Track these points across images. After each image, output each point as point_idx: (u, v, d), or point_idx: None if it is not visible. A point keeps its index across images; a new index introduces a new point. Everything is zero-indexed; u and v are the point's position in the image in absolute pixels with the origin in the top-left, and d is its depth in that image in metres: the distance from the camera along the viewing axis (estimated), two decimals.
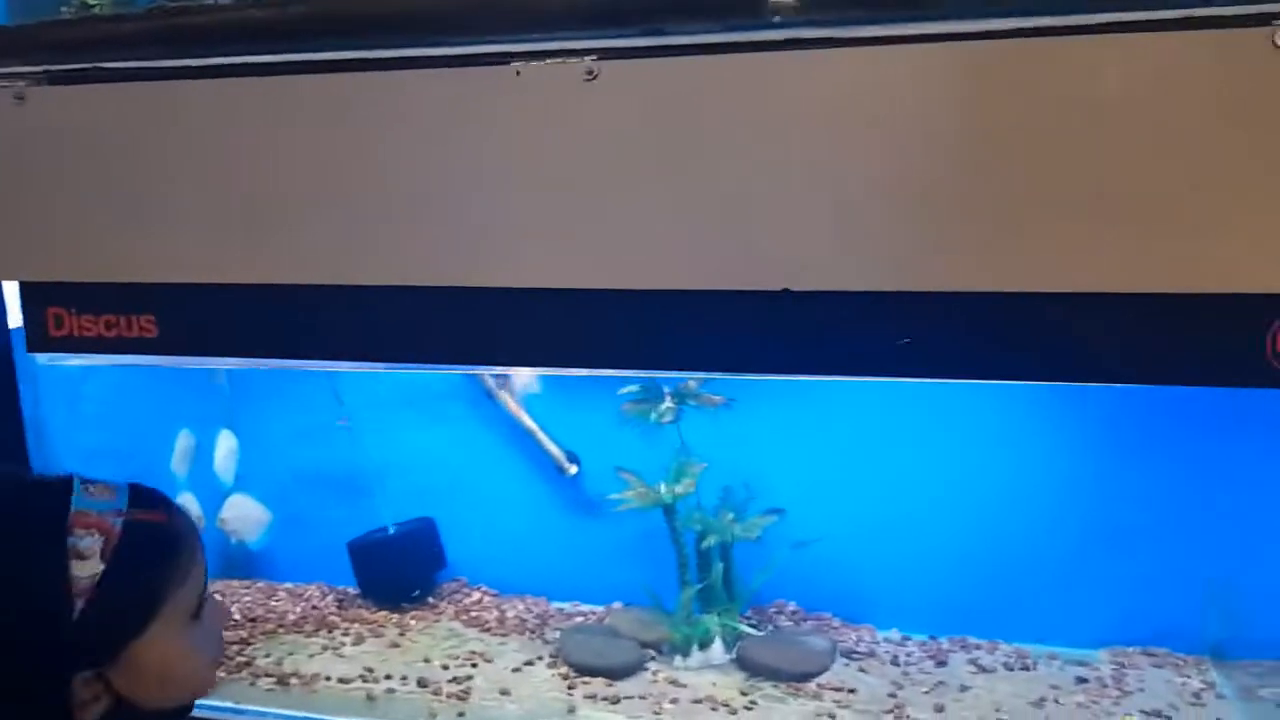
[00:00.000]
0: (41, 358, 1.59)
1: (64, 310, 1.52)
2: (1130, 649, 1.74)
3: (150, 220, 1.43)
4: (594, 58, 1.21)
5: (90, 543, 0.87)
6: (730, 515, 1.74)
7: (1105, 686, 1.62)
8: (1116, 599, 1.76)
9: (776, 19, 1.13)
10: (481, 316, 1.33)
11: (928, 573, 1.81)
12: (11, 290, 1.60)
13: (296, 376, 2.02)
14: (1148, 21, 1.05)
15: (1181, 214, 1.08)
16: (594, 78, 1.22)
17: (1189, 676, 1.65)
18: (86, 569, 0.85)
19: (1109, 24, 1.06)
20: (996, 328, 1.20)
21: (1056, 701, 1.57)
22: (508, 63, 1.24)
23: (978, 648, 1.77)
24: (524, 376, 1.91)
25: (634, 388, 1.75)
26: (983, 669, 1.69)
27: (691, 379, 1.71)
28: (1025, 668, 1.69)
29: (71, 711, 0.85)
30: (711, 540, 1.73)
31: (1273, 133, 1.04)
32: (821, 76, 1.14)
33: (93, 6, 1.57)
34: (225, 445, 2.00)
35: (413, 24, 1.29)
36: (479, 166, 1.28)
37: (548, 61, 1.23)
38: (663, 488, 1.73)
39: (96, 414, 1.96)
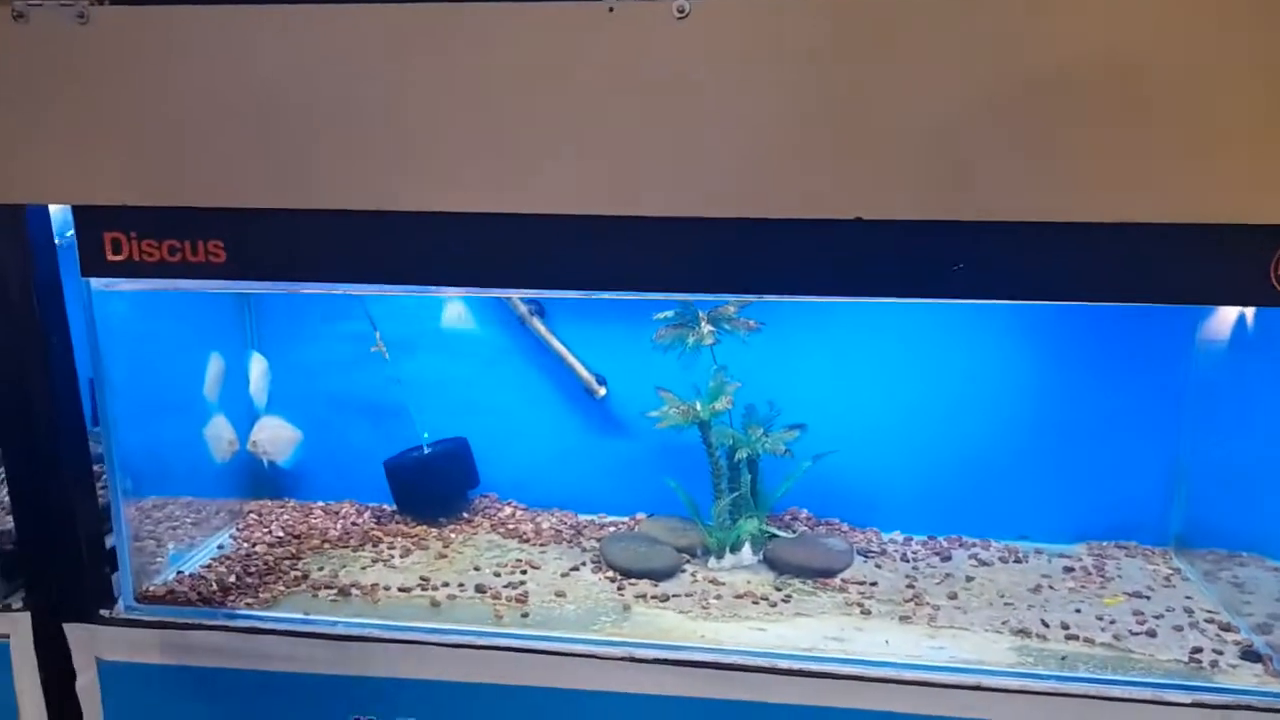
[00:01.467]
0: (96, 283, 1.59)
1: (122, 235, 1.53)
2: (1105, 543, 1.98)
3: (219, 146, 1.44)
4: None
5: None
6: (760, 430, 1.88)
7: (1089, 574, 1.85)
8: (1090, 500, 1.99)
9: None
10: (561, 243, 1.41)
11: (924, 479, 2.01)
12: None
13: (327, 300, 2.05)
14: None
15: (1200, 157, 1.24)
16: (685, 16, 1.29)
17: (1158, 564, 1.89)
18: None
19: None
20: (1036, 254, 1.35)
21: (1051, 588, 1.79)
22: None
23: (974, 545, 1.97)
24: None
25: (669, 313, 1.85)
26: (982, 562, 1.90)
27: (730, 304, 1.82)
28: (1018, 561, 1.91)
29: None
30: (743, 454, 1.87)
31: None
32: (901, 18, 1.25)
33: None
34: (258, 367, 2.03)
35: None
36: (559, 98, 1.34)
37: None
38: (699, 405, 1.86)
39: (123, 337, 1.95)
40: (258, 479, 2.15)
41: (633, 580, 1.81)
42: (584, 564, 1.88)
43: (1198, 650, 1.57)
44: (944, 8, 1.24)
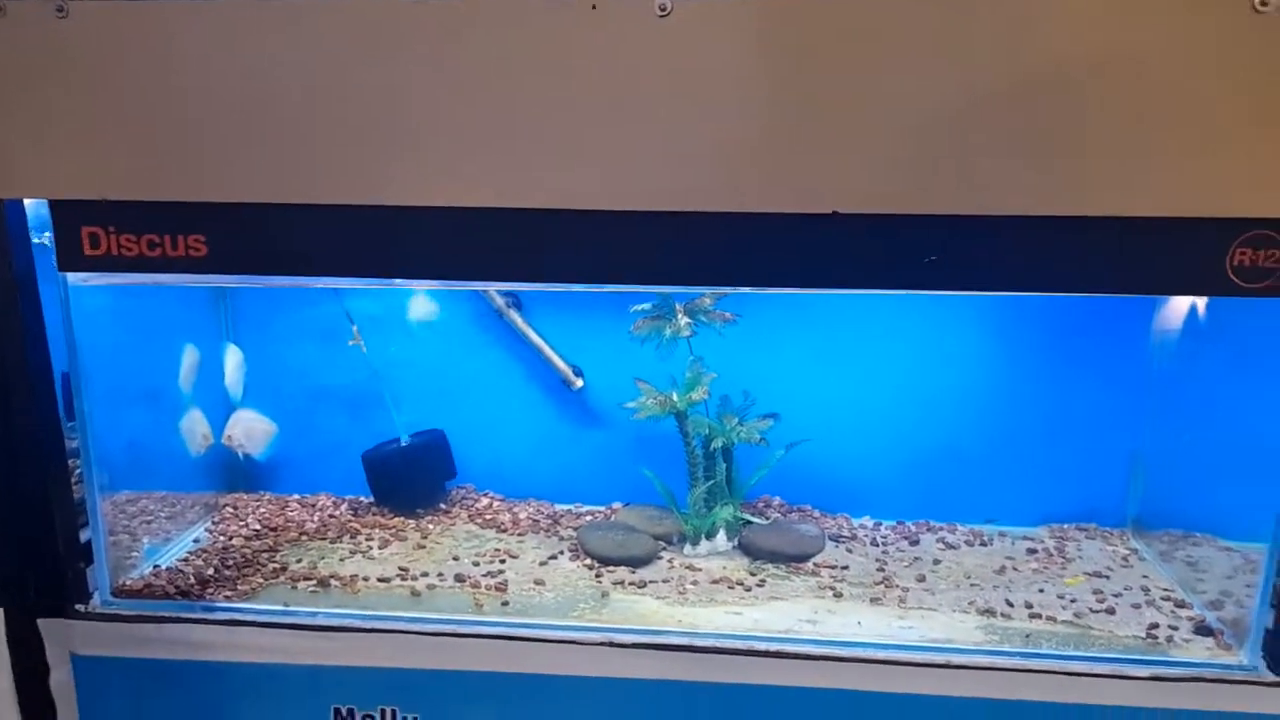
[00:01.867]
0: (73, 277, 1.57)
1: (100, 229, 1.52)
2: (1065, 525, 2.05)
3: (199, 139, 1.44)
4: None
5: None
6: (735, 420, 1.92)
7: (1051, 556, 1.91)
8: (1052, 485, 2.05)
9: None
10: (541, 236, 1.43)
11: (893, 466, 2.06)
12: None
13: (303, 292, 2.05)
14: None
15: (1164, 155, 1.30)
16: (667, 14, 1.32)
17: (1116, 545, 1.97)
18: None
19: None
20: (1004, 246, 1.41)
21: (1015, 569, 1.85)
22: None
23: (941, 529, 2.03)
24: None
25: (646, 305, 1.88)
26: (949, 546, 1.96)
27: (706, 296, 1.85)
28: (983, 544, 1.97)
29: None
30: (718, 443, 1.90)
31: (1241, 86, 1.26)
32: (877, 19, 1.29)
33: None
34: (233, 359, 2.02)
35: None
36: (541, 94, 1.37)
37: None
38: (676, 396, 1.89)
39: (98, 329, 1.94)
40: (233, 472, 2.14)
41: (611, 568, 1.84)
42: (562, 553, 1.91)
43: (1154, 626, 1.64)
44: (920, 6, 1.28)
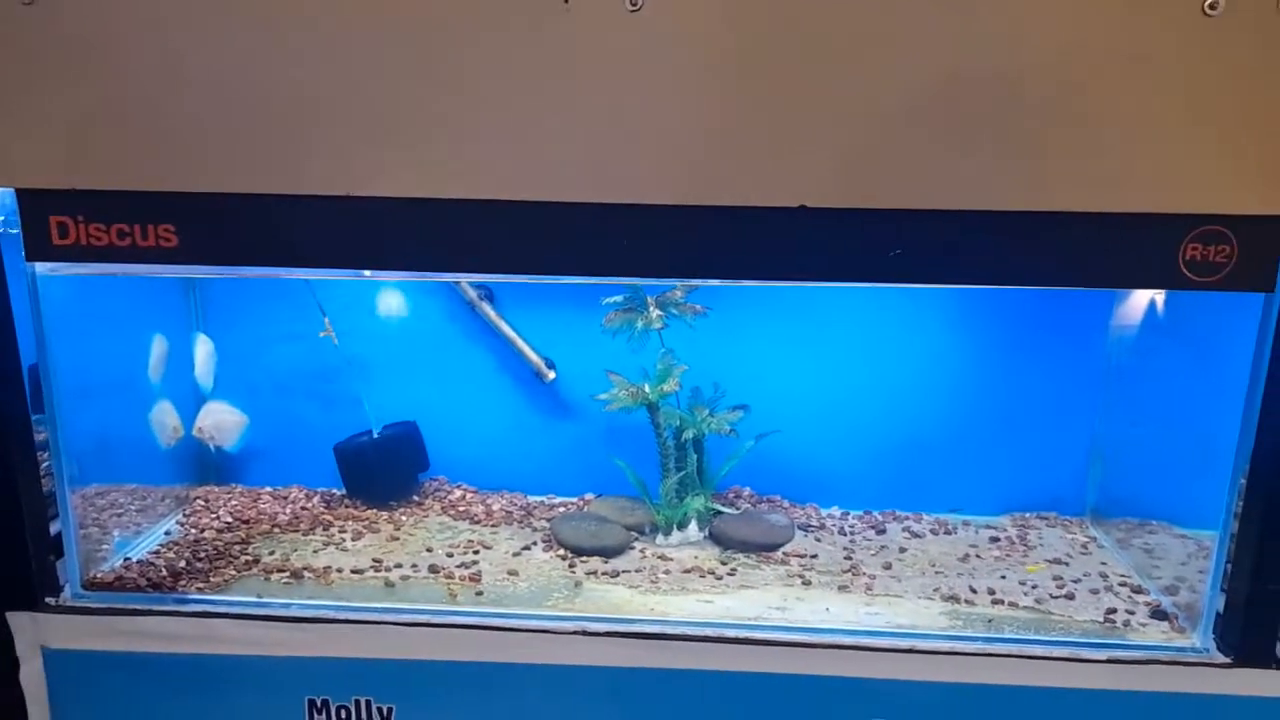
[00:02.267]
0: (41, 267, 1.56)
1: (69, 219, 1.51)
2: (1027, 514, 2.10)
3: (170, 129, 1.44)
4: None
5: None
6: (706, 411, 1.95)
7: (1014, 543, 1.96)
8: (1014, 475, 2.10)
9: None
10: (514, 228, 1.45)
11: (860, 457, 2.10)
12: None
13: (274, 282, 2.05)
14: None
15: (1117, 151, 1.35)
16: (638, 9, 1.34)
17: (1075, 533, 2.02)
18: None
19: None
20: (968, 240, 1.44)
21: (978, 556, 1.90)
22: None
23: (907, 518, 2.07)
24: None
25: (618, 298, 1.90)
26: (915, 534, 2.00)
27: (678, 288, 1.88)
28: (948, 532, 2.02)
29: None
30: (689, 434, 1.93)
31: (1192, 87, 1.31)
32: (847, 15, 1.32)
33: None
34: (203, 350, 2.01)
35: None
36: (512, 87, 1.38)
37: None
38: (648, 387, 1.91)
39: (65, 319, 1.92)
40: (204, 464, 2.14)
41: (583, 558, 1.86)
42: (535, 543, 1.92)
43: (1112, 611, 1.69)
44: (886, 9, 1.31)
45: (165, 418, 1.95)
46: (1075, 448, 2.08)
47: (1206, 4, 1.28)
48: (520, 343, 2.07)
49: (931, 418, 2.07)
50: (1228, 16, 1.28)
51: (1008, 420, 2.06)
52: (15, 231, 1.53)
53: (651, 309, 1.88)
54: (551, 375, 2.08)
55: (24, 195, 1.50)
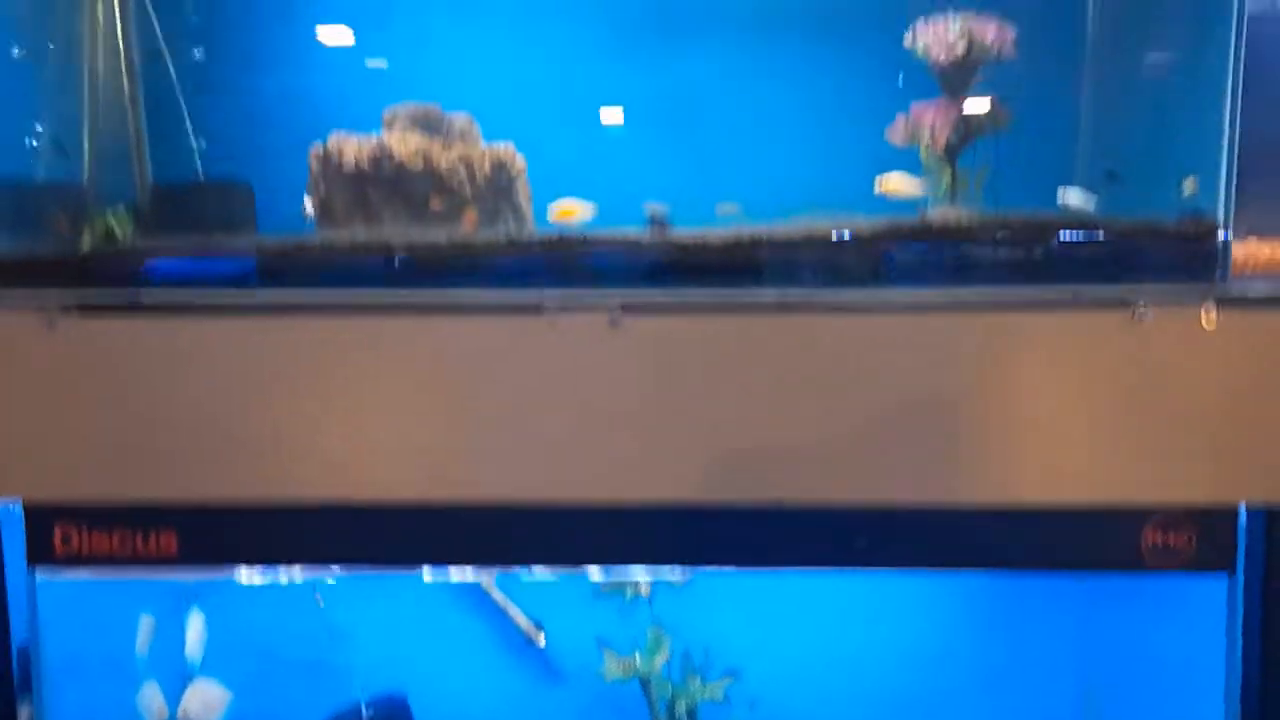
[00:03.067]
0: (43, 571, 1.60)
1: (73, 528, 1.57)
2: None
3: (171, 444, 1.53)
4: (617, 309, 1.46)
5: None
6: (698, 679, 1.93)
7: None
8: None
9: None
10: (519, 526, 1.52)
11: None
12: None
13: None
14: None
15: (1081, 456, 1.44)
16: (617, 325, 1.47)
17: None
18: None
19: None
20: (942, 531, 1.51)
21: None
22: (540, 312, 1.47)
23: None
24: None
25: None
26: None
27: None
28: None
29: None
30: (682, 705, 1.91)
31: (1137, 389, 1.42)
32: (808, 339, 1.44)
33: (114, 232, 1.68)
34: (195, 626, 2.01)
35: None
36: (507, 395, 1.48)
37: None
38: (638, 660, 1.91)
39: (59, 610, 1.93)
40: None
41: None
42: None
43: None
44: (853, 342, 1.45)
45: (151, 702, 1.93)
46: None
47: (1134, 313, 1.40)
48: (509, 606, 2.07)
49: (926, 690, 2.03)
50: (1152, 323, 1.41)
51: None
52: None
53: (640, 578, 1.91)
54: (542, 639, 2.07)
55: (30, 505, 1.56)
